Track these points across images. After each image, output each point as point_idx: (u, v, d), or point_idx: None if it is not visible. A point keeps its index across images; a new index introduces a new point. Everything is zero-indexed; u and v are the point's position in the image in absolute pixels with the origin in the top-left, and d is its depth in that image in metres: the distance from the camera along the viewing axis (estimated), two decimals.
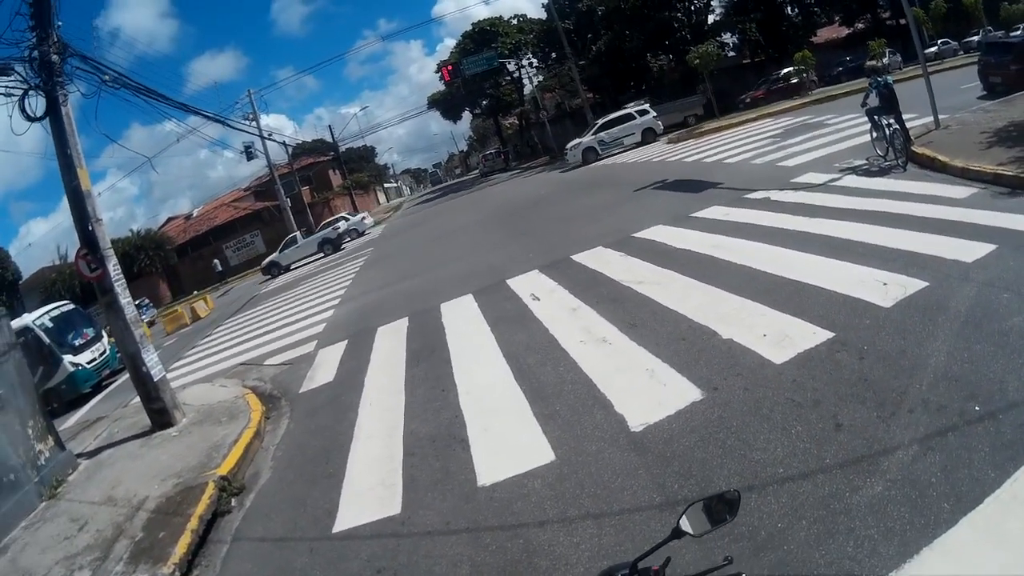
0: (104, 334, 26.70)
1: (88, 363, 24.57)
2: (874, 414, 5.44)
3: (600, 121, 48.57)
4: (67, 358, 24.82)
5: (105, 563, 8.19)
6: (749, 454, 5.45)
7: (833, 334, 7.13)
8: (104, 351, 26.37)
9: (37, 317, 25.25)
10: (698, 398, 6.76)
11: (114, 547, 8.57)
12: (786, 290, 8.78)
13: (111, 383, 25.01)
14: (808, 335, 7.27)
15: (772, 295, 8.72)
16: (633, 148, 44.40)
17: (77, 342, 24.00)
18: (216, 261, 66.93)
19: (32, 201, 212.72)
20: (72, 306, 27.42)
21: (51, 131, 12.70)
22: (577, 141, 47.58)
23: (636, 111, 47.36)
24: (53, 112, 12.50)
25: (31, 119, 12.60)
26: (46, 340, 24.68)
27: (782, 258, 10.14)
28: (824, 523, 4.39)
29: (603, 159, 43.73)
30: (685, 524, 2.33)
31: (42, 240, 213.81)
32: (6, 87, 12.63)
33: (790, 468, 5.08)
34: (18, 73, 12.58)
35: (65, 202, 13.18)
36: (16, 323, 24.34)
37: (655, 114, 46.90)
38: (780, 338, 7.41)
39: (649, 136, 45.30)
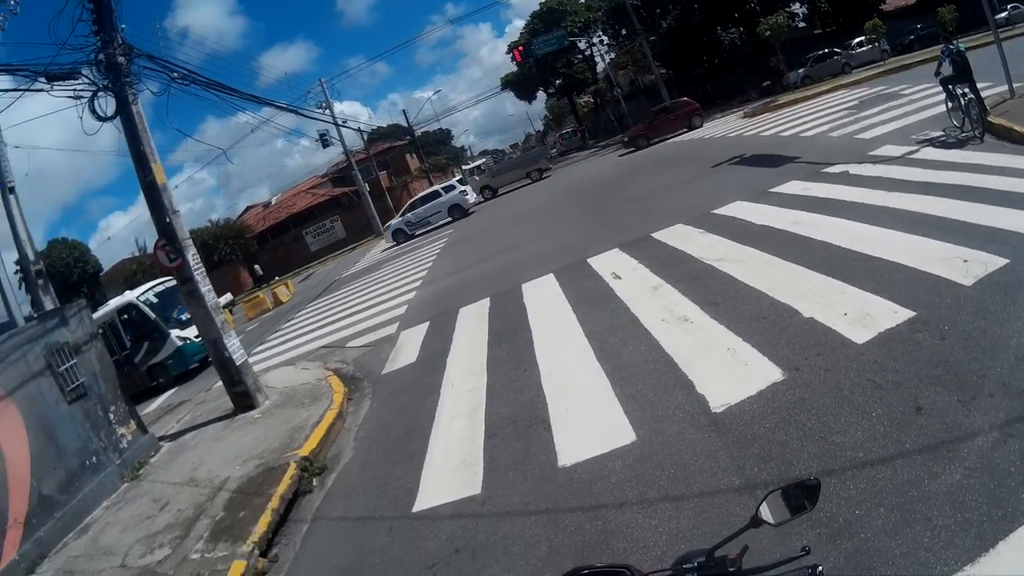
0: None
1: (196, 337, 24.43)
2: (954, 398, 5.30)
3: (409, 202, 50.71)
4: (174, 332, 25.16)
5: (185, 541, 8.38)
6: (829, 437, 5.37)
7: (914, 313, 6.98)
8: (191, 338, 26.56)
9: (141, 293, 25.66)
10: (779, 379, 6.69)
11: (194, 526, 8.76)
12: (866, 267, 8.62)
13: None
14: (889, 314, 7.14)
15: (852, 272, 8.58)
16: (444, 225, 45.55)
17: (183, 317, 24.27)
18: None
19: (110, 196, 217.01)
20: (174, 281, 27.59)
21: (123, 129, 13.02)
22: (389, 223, 50.22)
23: (443, 188, 48.66)
24: (123, 111, 12.84)
25: (102, 119, 12.97)
26: (151, 315, 25.07)
27: (862, 234, 9.94)
28: (902, 511, 4.30)
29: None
30: (764, 512, 2.28)
31: (121, 233, 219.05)
32: (75, 90, 12.93)
33: (870, 452, 5.00)
34: (86, 76, 12.86)
35: (142, 196, 13.39)
36: (119, 300, 25.50)
37: (462, 189, 47.81)
38: (861, 317, 7.30)
39: (456, 212, 46.50)
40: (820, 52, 50.01)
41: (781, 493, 2.29)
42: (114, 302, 26.47)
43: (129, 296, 25.81)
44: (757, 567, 2.11)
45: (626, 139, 50.66)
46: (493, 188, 55.21)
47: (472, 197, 48.21)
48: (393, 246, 46.00)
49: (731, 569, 2.08)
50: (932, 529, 4.08)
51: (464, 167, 69.12)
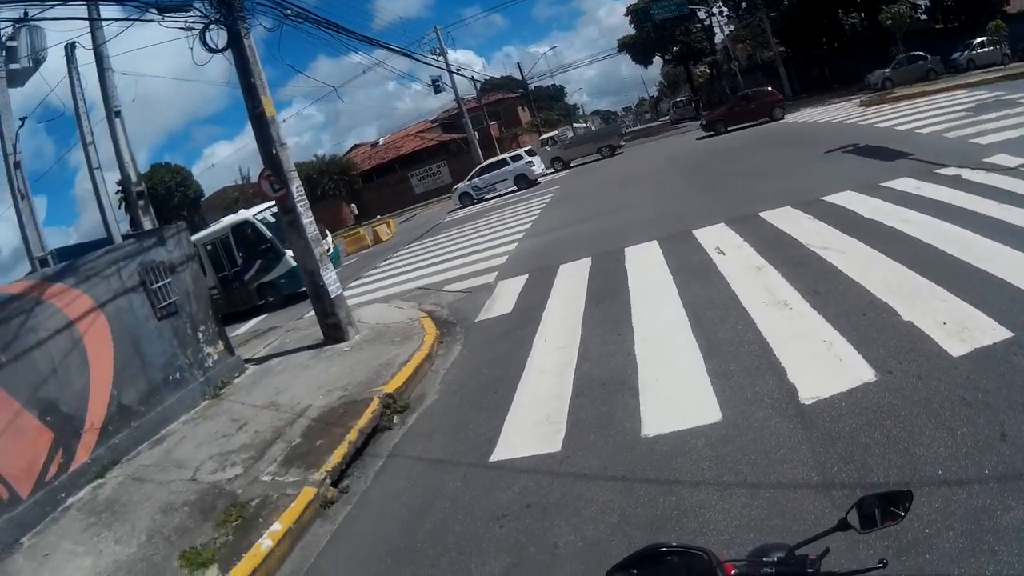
0: (328, 233, 27.06)
1: None
2: None
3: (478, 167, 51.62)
4: (289, 253, 24.84)
5: (258, 463, 8.64)
6: (912, 448, 5.30)
7: (1013, 334, 6.74)
8: (329, 248, 26.83)
9: (259, 211, 25.96)
10: (871, 379, 6.59)
11: (269, 449, 9.03)
12: (971, 278, 8.38)
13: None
14: (987, 330, 6.94)
15: (956, 281, 8.36)
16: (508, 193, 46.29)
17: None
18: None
19: (215, 125, 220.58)
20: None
21: (233, 62, 13.28)
22: (457, 186, 51.39)
23: (510, 157, 49.33)
24: (235, 44, 13.16)
25: (212, 51, 13.23)
26: (267, 233, 25.39)
27: (970, 242, 9.65)
28: (970, 538, 4.23)
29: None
30: (853, 518, 2.26)
31: (225, 161, 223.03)
32: (186, 22, 13.16)
33: (949, 471, 4.92)
34: (197, 9, 13.08)
35: (249, 127, 13.69)
36: (234, 217, 26.01)
37: (529, 160, 48.23)
38: (959, 329, 7.12)
39: (522, 182, 47.65)
40: (907, 54, 48.55)
41: (873, 500, 2.26)
42: (229, 219, 26.90)
43: (246, 214, 26.17)
44: (835, 572, 2.13)
45: (704, 123, 50.03)
46: (564, 160, 56.01)
47: (539, 168, 49.01)
48: (459, 208, 47.27)
49: (810, 570, 2.09)
50: (996, 563, 4.01)
51: (548, 134, 68.93)
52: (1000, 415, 5.42)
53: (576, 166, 53.32)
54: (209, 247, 26.02)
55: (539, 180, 47.86)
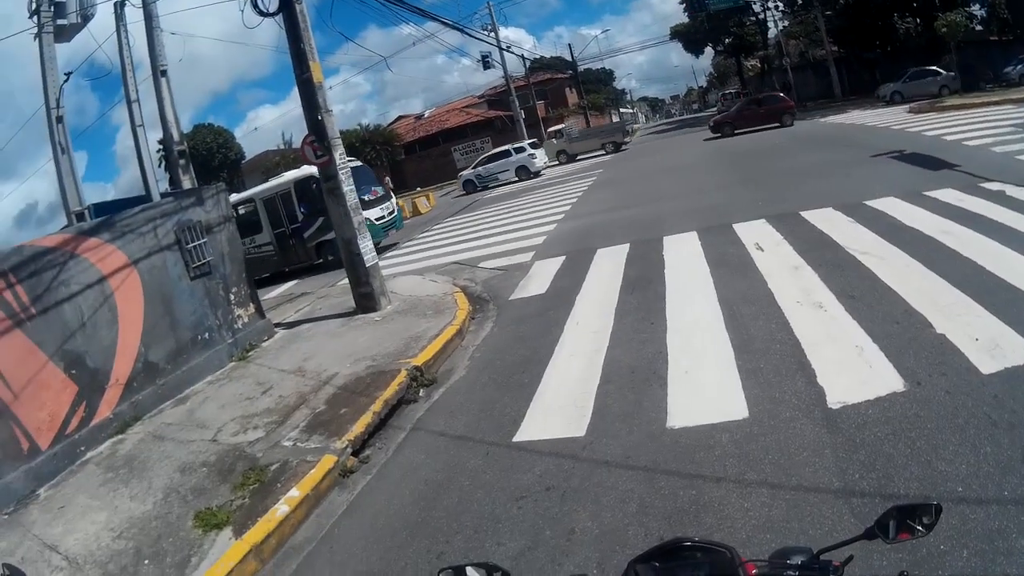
0: (392, 195, 27.34)
1: (376, 219, 25.18)
2: None
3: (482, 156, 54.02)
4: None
5: (280, 428, 8.72)
6: (935, 463, 5.28)
7: None
8: (392, 211, 27.10)
9: (314, 172, 25.83)
10: (900, 389, 6.56)
11: (293, 415, 9.10)
12: (1007, 295, 8.30)
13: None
14: (1019, 350, 6.86)
15: (992, 297, 8.27)
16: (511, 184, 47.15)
17: (366, 197, 24.42)
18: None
19: (261, 89, 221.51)
20: (360, 163, 28.02)
21: (284, 25, 13.33)
22: (462, 173, 54.28)
23: (513, 148, 50.69)
24: (286, 8, 13.22)
25: (263, 14, 13.28)
26: None
27: (1009, 260, 9.54)
28: (983, 558, 4.22)
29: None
30: (882, 527, 2.25)
31: (268, 125, 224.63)
32: None
33: (969, 489, 4.90)
34: None
35: (295, 92, 13.71)
36: (298, 172, 25.93)
37: (531, 152, 49.84)
38: (991, 346, 7.06)
39: (523, 173, 49.45)
40: (917, 68, 48.24)
41: (901, 510, 2.26)
42: (291, 173, 26.87)
43: (310, 169, 25.92)
44: None
45: (712, 124, 50.18)
46: (569, 154, 57.63)
47: (540, 161, 50.45)
48: (463, 195, 48.77)
49: None
50: None
51: (555, 127, 69.15)
52: None
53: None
54: (267, 202, 26.12)
55: (541, 172, 49.13)
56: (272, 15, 13.19)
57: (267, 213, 26.11)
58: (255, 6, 13.08)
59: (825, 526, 4.78)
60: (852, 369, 7.23)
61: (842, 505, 5.00)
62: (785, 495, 5.28)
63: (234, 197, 27.74)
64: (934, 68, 47.81)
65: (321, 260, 25.78)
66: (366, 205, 24.56)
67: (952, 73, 46.15)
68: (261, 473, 7.66)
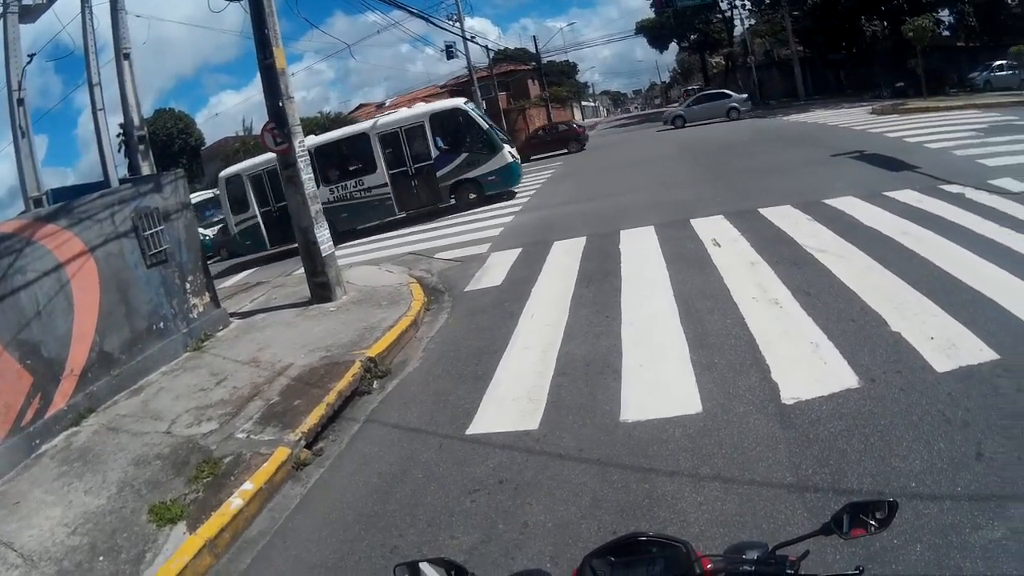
0: (506, 143, 26.61)
1: (512, 158, 25.23)
2: (1016, 454, 5.15)
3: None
4: (507, 147, 25.32)
5: (234, 419, 8.65)
6: (888, 458, 5.33)
7: (999, 356, 6.75)
8: (515, 158, 26.35)
9: (466, 101, 25.66)
10: (854, 386, 6.61)
11: (247, 406, 9.02)
12: (963, 296, 8.40)
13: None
14: (974, 350, 6.95)
15: (948, 298, 8.37)
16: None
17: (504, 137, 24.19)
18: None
19: (224, 74, 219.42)
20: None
21: (249, 11, 13.20)
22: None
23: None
24: None
25: None
26: (484, 124, 25.08)
27: (965, 261, 9.68)
28: (937, 552, 4.26)
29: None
30: (839, 523, 2.24)
31: (230, 111, 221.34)
32: None
33: (923, 485, 4.96)
34: None
35: (257, 78, 13.60)
36: (433, 105, 25.83)
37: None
38: (947, 345, 7.14)
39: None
40: (705, 92, 51.88)
41: (858, 507, 2.25)
42: (425, 106, 26.38)
43: (456, 101, 25.62)
44: (813, 575, 2.12)
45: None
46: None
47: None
48: None
49: (789, 571, 2.08)
50: None
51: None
52: (979, 435, 5.45)
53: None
54: (388, 138, 25.19)
55: None
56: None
57: (383, 152, 25.11)
58: None
59: (779, 521, 4.79)
60: (807, 365, 7.28)
61: (796, 500, 5.01)
62: (739, 489, 5.29)
63: (340, 131, 27.69)
64: (725, 91, 50.55)
65: (449, 203, 25.41)
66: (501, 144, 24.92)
67: (744, 95, 48.48)
68: (215, 466, 7.56)
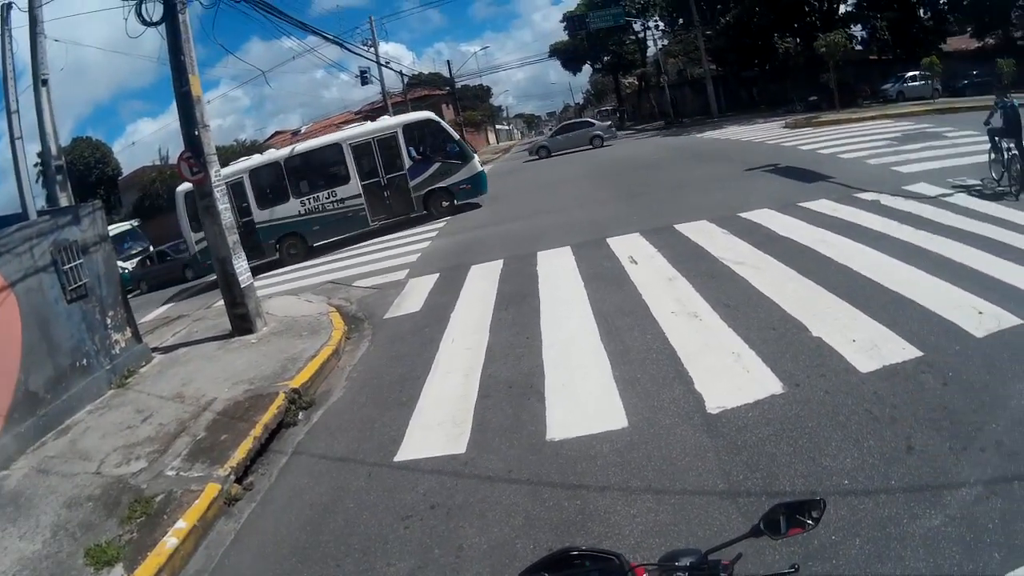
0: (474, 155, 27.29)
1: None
2: (947, 445, 5.32)
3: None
4: (476, 157, 25.96)
5: (163, 457, 8.44)
6: (819, 459, 5.41)
7: (921, 353, 6.97)
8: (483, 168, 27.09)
9: (435, 115, 26.26)
10: (779, 391, 6.71)
11: (174, 443, 8.83)
12: (882, 298, 8.61)
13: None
14: (897, 349, 7.14)
15: (868, 301, 8.57)
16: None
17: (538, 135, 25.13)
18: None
19: (141, 100, 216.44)
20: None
21: (166, 37, 13.00)
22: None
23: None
24: (169, 18, 12.88)
25: (147, 23, 13.02)
26: (454, 134, 25.78)
27: (883, 265, 9.94)
28: (877, 545, 4.35)
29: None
30: (766, 524, 2.28)
31: (146, 139, 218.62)
32: None
33: (855, 482, 5.04)
34: None
35: (173, 106, 13.42)
36: (405, 116, 26.55)
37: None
38: (869, 347, 7.30)
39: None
40: (568, 122, 52.54)
41: (785, 507, 2.29)
42: (397, 117, 27.00)
43: (426, 113, 25.96)
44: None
45: None
46: None
47: None
48: None
49: (723, 575, 2.08)
50: (903, 569, 4.13)
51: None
52: (907, 429, 5.58)
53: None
54: (359, 148, 25.17)
55: None
56: (156, 24, 12.89)
57: (355, 161, 25.08)
58: (139, 15, 12.79)
59: (713, 527, 4.80)
60: (730, 375, 7.36)
61: (729, 505, 5.04)
62: (671, 500, 5.31)
63: (312, 142, 27.36)
64: (589, 120, 52.41)
65: (423, 212, 25.57)
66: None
67: (607, 123, 49.69)
68: (147, 505, 7.36)
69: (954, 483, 4.85)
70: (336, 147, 25.48)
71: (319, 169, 25.68)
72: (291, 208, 24.83)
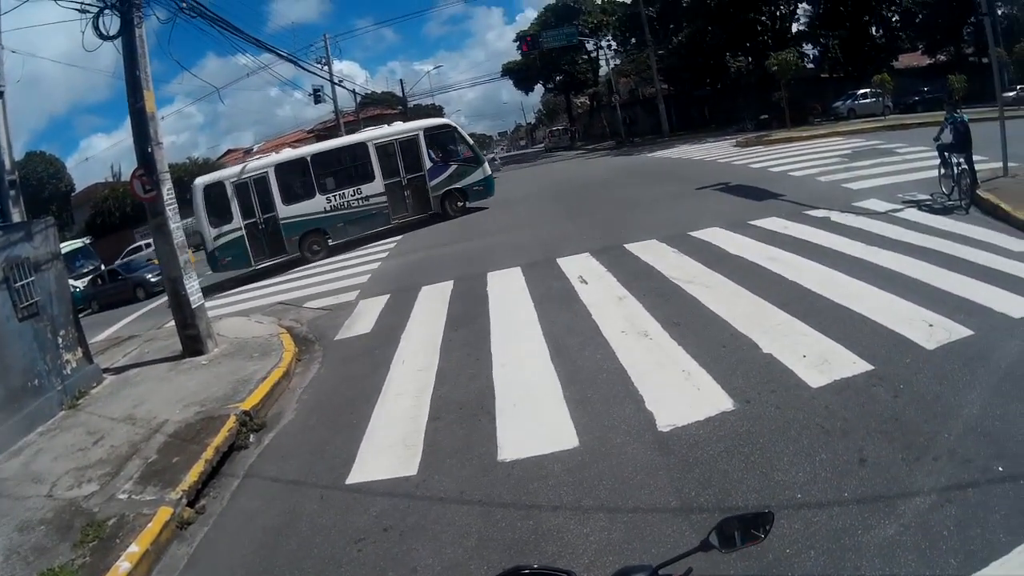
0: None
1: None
2: (899, 455, 5.38)
3: None
4: (487, 163, 27.20)
5: (115, 480, 8.31)
6: (771, 474, 5.43)
7: (872, 367, 7.05)
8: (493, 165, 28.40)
9: (448, 121, 27.81)
10: (729, 408, 6.74)
11: (126, 465, 8.71)
12: (833, 314, 8.71)
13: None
14: (847, 363, 7.22)
15: (818, 317, 8.66)
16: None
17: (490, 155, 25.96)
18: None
19: (96, 115, 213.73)
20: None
21: (122, 51, 12.89)
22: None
23: None
24: (126, 32, 12.78)
25: (104, 37, 12.92)
26: (469, 139, 26.92)
27: (833, 281, 10.06)
28: (832, 556, 4.36)
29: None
30: (715, 538, 2.29)
31: (100, 155, 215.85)
32: (81, 4, 12.80)
33: (809, 495, 5.06)
34: None
35: (127, 122, 13.32)
36: (426, 121, 27.95)
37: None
38: (819, 362, 7.36)
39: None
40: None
41: (734, 521, 2.30)
42: (418, 122, 28.18)
43: (444, 119, 28.08)
44: None
45: None
46: None
47: None
48: None
49: None
50: None
51: None
52: (859, 442, 5.63)
53: None
54: (383, 148, 25.94)
55: None
56: (112, 38, 12.76)
57: (379, 161, 25.80)
58: (96, 28, 12.67)
59: (667, 544, 4.79)
60: (680, 393, 7.39)
61: (682, 522, 5.03)
62: (623, 518, 5.30)
63: (338, 140, 28.49)
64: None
65: (440, 211, 26.51)
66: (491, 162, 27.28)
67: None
68: (99, 528, 7.24)
69: (908, 492, 4.90)
70: (363, 146, 26.26)
71: (346, 167, 26.24)
72: (316, 204, 25.28)
